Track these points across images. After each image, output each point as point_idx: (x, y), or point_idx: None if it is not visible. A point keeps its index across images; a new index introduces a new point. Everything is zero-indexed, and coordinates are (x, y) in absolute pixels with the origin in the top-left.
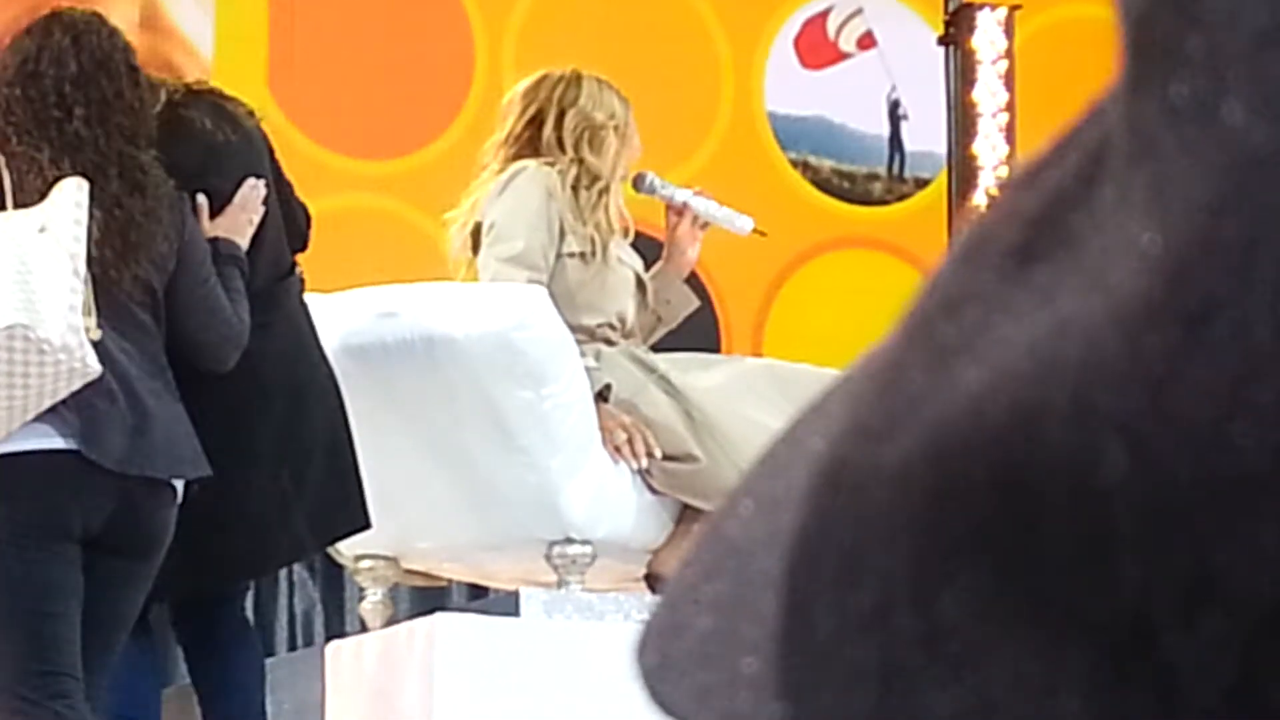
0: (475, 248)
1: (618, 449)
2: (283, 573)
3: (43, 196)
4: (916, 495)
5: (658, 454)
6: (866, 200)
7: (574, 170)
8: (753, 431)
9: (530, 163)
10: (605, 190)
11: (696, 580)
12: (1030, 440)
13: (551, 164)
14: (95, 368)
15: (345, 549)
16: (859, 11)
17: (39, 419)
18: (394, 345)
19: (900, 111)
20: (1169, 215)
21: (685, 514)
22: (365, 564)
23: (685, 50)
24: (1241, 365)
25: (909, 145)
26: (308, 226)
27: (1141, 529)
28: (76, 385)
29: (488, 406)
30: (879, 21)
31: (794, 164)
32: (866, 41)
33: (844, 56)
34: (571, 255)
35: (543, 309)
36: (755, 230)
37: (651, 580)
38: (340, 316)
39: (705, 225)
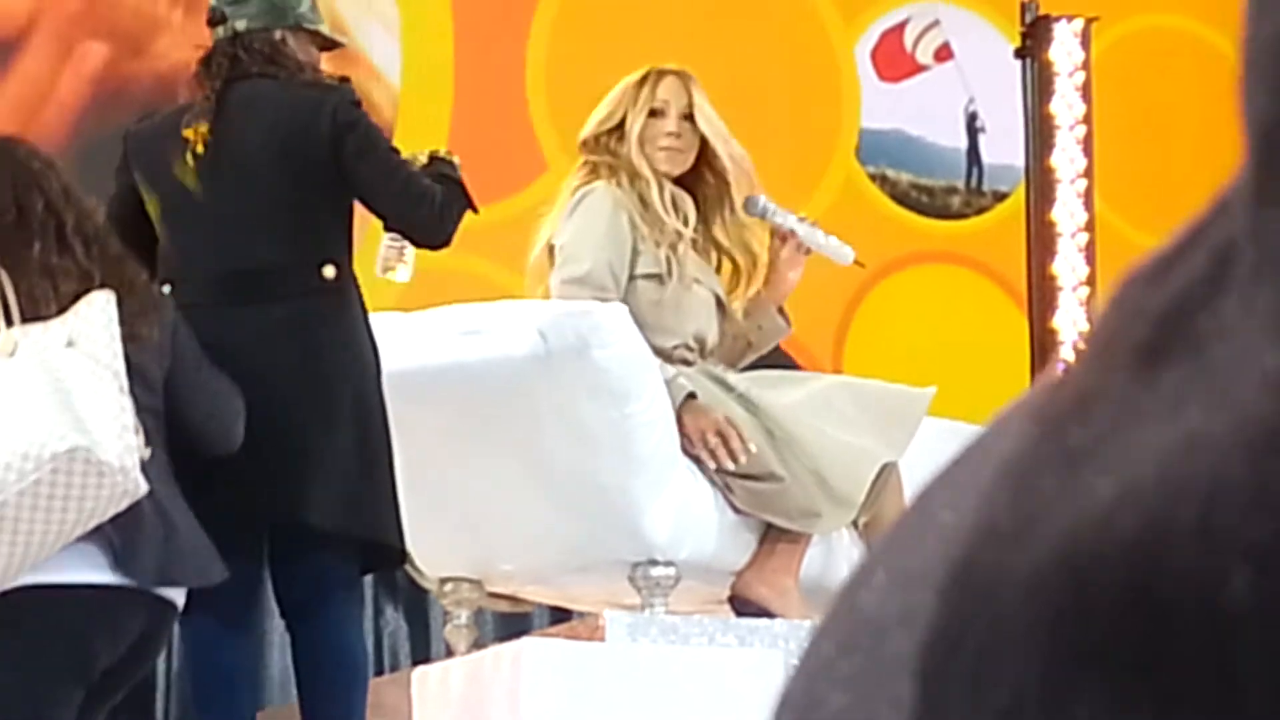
0: (551, 268)
1: (712, 453)
2: (367, 597)
3: (60, 307)
4: (1047, 604)
5: (752, 449)
6: (945, 214)
7: (641, 183)
8: (834, 449)
9: (600, 184)
10: (677, 206)
11: (832, 654)
12: (1158, 558)
13: (619, 183)
14: (145, 487)
15: (429, 572)
16: (936, 23)
17: (79, 540)
18: (476, 364)
19: (978, 124)
20: None
21: (769, 534)
22: (449, 587)
23: (760, 65)
24: None
25: (987, 158)
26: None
27: (1266, 654)
28: (124, 505)
29: (570, 425)
30: (956, 34)
31: (872, 178)
32: (944, 54)
33: (921, 69)
34: (646, 276)
35: (624, 326)
36: (856, 262)
37: (735, 602)
38: (422, 335)
39: (808, 252)
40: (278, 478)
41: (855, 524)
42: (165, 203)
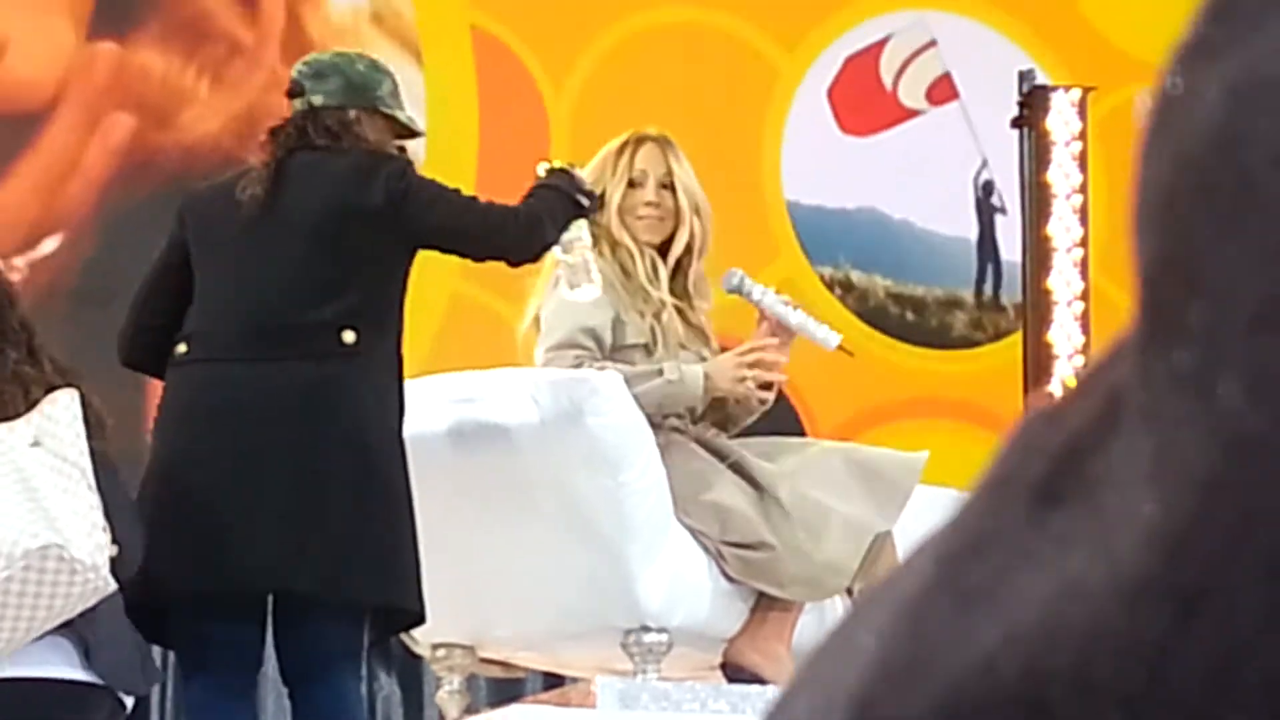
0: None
1: (761, 386)
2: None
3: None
4: None
5: (784, 359)
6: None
7: (622, 252)
8: (828, 519)
9: None
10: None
11: None
12: (1036, 708)
13: (600, 253)
14: (114, 585)
15: (422, 637)
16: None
17: (49, 634)
18: (470, 431)
19: (994, 199)
20: (1169, 488)
21: (761, 601)
22: (441, 653)
23: (761, 110)
24: (1229, 650)
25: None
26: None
27: None
28: (92, 602)
29: (563, 493)
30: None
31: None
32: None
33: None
34: (632, 347)
35: (618, 394)
36: (841, 348)
37: (727, 669)
38: (418, 402)
39: (792, 336)
40: (271, 542)
41: (849, 591)
42: (207, 260)
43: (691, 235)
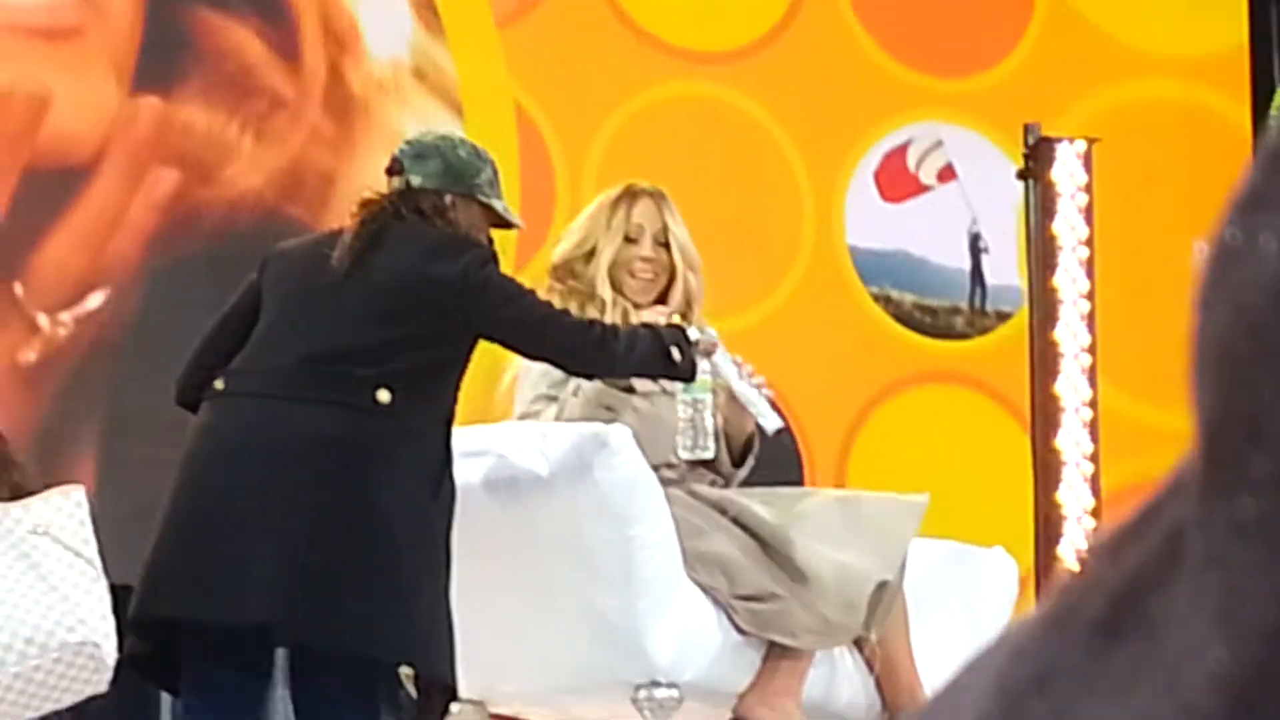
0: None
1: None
2: None
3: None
4: None
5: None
6: (949, 334)
7: (591, 308)
8: (828, 568)
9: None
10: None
11: None
12: None
13: (564, 296)
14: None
15: None
16: (939, 144)
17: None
18: (479, 484)
19: (981, 244)
20: (1237, 635)
21: (771, 653)
22: (454, 708)
23: (766, 184)
24: None
25: (990, 278)
26: None
27: None
28: (88, 694)
29: (573, 546)
30: (959, 155)
31: (876, 298)
32: (947, 174)
33: (924, 189)
34: (609, 408)
35: (627, 448)
36: (779, 432)
37: None
38: None
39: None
40: (269, 579)
41: (860, 649)
42: (272, 307)
43: (687, 291)
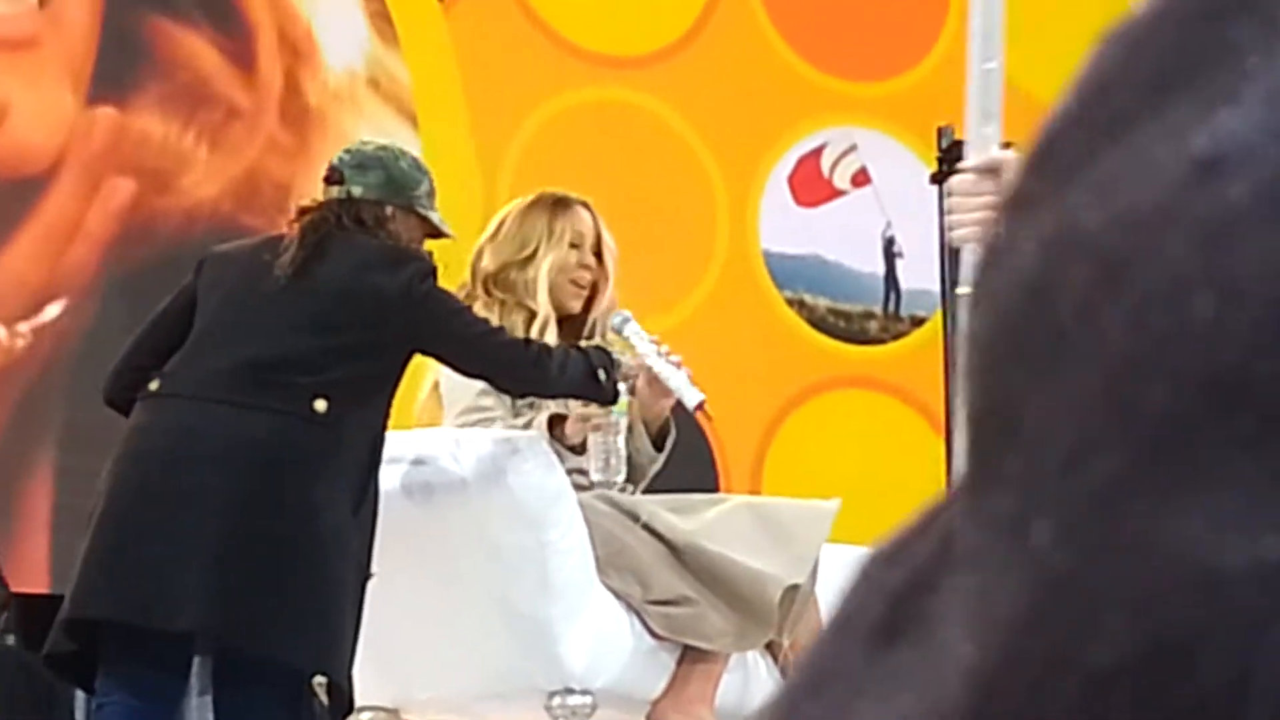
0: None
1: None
2: None
3: None
4: None
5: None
6: (863, 339)
7: (515, 315)
8: (739, 573)
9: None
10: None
11: None
12: None
13: (491, 306)
14: None
15: None
16: (853, 148)
17: None
18: (395, 490)
19: (895, 249)
20: (984, 630)
21: (685, 658)
22: (366, 716)
23: (680, 188)
24: None
25: (904, 283)
26: None
27: None
28: None
29: (487, 552)
30: (873, 159)
31: (790, 302)
32: (861, 179)
33: (838, 194)
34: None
35: (541, 455)
36: (700, 408)
37: None
38: None
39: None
40: (196, 584)
41: (774, 654)
42: (208, 310)
43: (610, 302)
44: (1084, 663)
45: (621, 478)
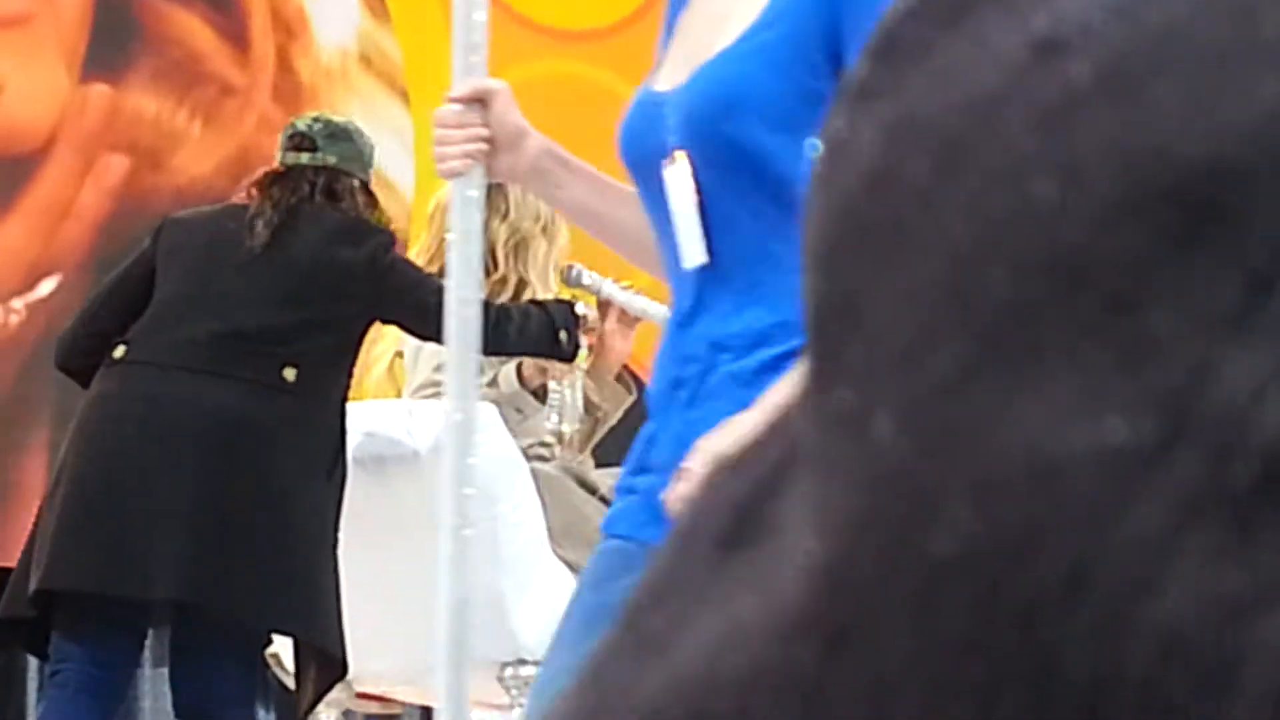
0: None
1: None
2: None
3: None
4: None
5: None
6: None
7: (503, 287)
8: None
9: None
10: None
11: None
12: None
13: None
14: None
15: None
16: None
17: None
18: (348, 461)
19: None
20: (826, 526)
21: None
22: None
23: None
24: (881, 681)
25: None
26: None
27: None
28: None
29: (438, 525)
30: None
31: None
32: None
33: None
34: (491, 384)
35: (494, 427)
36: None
37: None
38: None
39: (635, 321)
40: (169, 552)
41: None
42: (172, 277)
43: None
44: (923, 554)
45: (571, 429)
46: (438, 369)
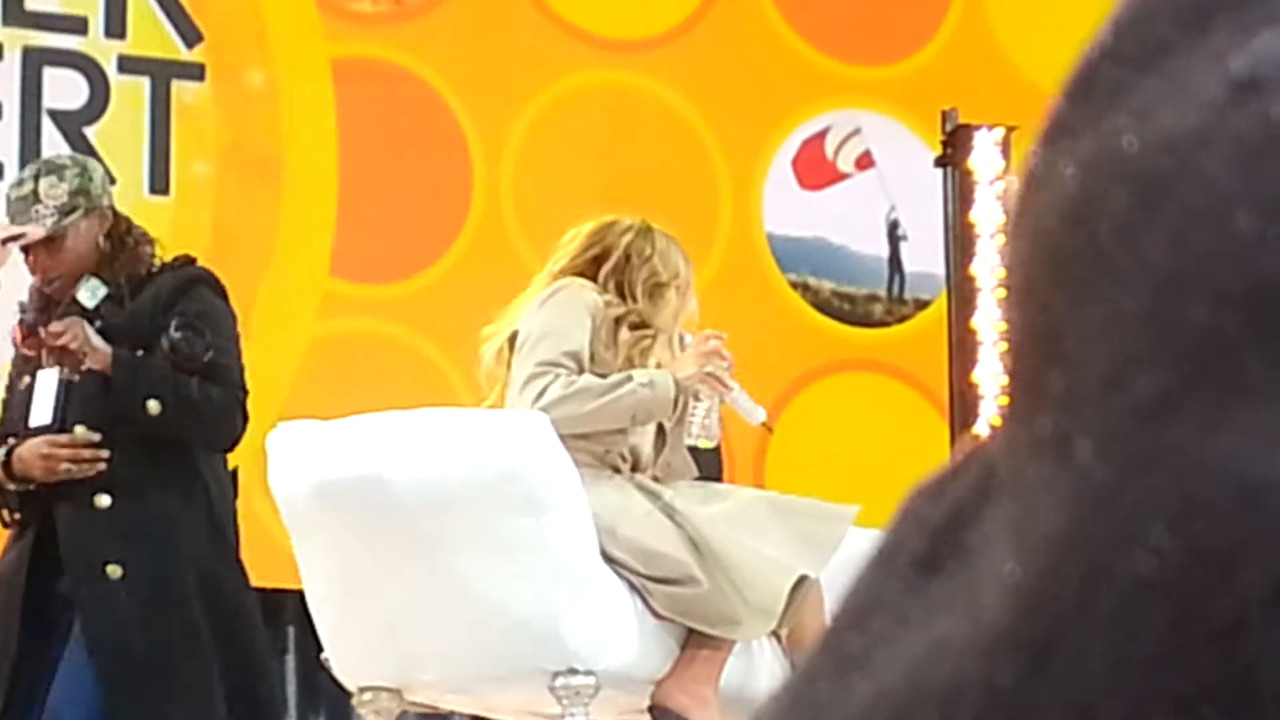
0: (510, 360)
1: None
2: (292, 704)
3: None
4: None
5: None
6: (867, 322)
7: (623, 309)
8: (752, 560)
9: (574, 280)
10: (652, 339)
11: None
12: None
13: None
14: None
15: (348, 681)
16: (857, 132)
17: None
18: (394, 473)
19: (899, 232)
20: (1027, 547)
21: (689, 641)
22: (368, 696)
23: (684, 171)
24: (1080, 698)
25: (909, 266)
26: None
27: None
28: None
29: (489, 535)
30: (877, 142)
31: (794, 285)
32: (865, 161)
33: (842, 177)
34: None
35: (544, 436)
36: (764, 425)
37: (655, 712)
38: (340, 444)
39: (720, 402)
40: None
41: (778, 636)
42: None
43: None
44: (1124, 575)
45: (712, 443)
46: (569, 355)
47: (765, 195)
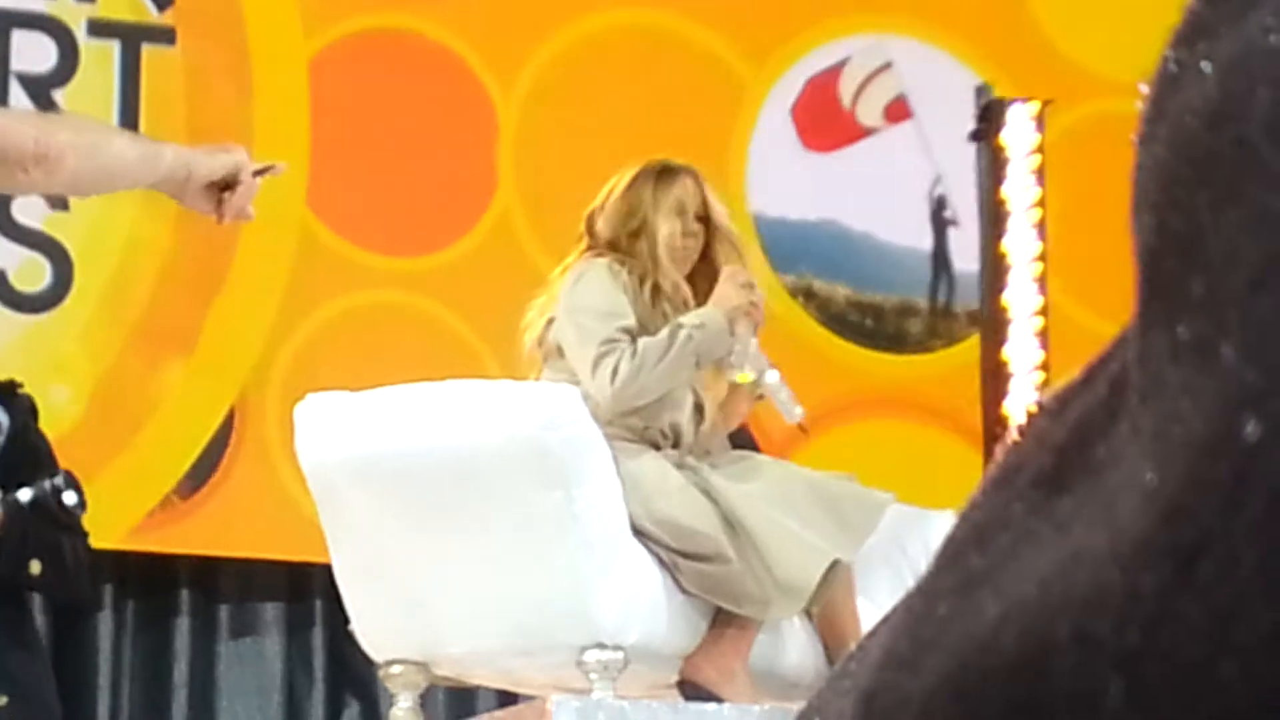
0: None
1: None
2: (318, 676)
3: None
4: None
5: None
6: (900, 344)
7: (639, 268)
8: (786, 540)
9: (603, 260)
10: (686, 302)
11: None
12: (1038, 673)
13: (623, 263)
14: None
15: (374, 654)
16: (886, 67)
17: None
18: (424, 446)
19: (947, 213)
20: (1168, 454)
21: (718, 617)
22: (395, 669)
23: (711, 137)
24: (1227, 605)
25: (959, 263)
26: None
27: None
28: None
29: (517, 508)
30: (915, 82)
31: (793, 291)
32: (897, 111)
33: (865, 133)
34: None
35: (574, 408)
36: (799, 426)
37: (684, 686)
38: (369, 416)
39: (760, 396)
40: None
41: (809, 614)
42: None
43: (718, 263)
44: (1275, 479)
45: (799, 414)
46: (624, 330)
47: (750, 158)
